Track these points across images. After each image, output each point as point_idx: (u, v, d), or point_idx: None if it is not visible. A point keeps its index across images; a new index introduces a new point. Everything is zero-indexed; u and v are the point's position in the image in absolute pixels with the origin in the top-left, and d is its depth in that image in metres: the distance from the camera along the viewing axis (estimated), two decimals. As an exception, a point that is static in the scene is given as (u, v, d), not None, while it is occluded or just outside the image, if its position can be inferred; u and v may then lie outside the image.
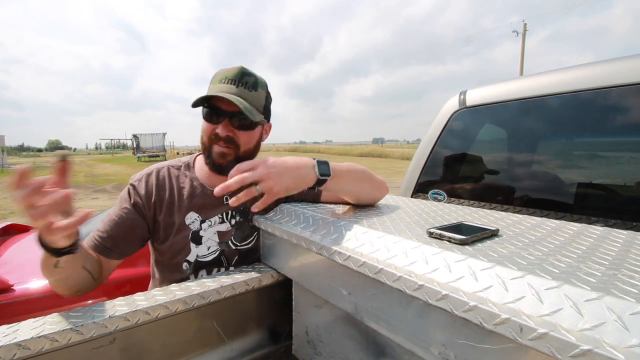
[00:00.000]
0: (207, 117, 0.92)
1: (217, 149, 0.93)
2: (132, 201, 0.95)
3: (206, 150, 0.95)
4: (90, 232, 0.92)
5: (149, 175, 0.99)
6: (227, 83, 0.90)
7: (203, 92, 0.91)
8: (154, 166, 1.02)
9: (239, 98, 0.88)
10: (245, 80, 0.92)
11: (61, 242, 0.66)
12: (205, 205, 0.98)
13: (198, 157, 1.08)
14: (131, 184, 0.97)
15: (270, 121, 1.03)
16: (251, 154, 0.98)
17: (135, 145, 32.37)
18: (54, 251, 0.68)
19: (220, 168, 0.95)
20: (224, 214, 1.01)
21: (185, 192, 0.98)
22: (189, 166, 1.04)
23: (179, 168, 1.03)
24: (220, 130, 0.90)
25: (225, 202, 1.01)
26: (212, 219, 0.99)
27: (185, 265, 0.96)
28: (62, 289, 0.80)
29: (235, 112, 0.90)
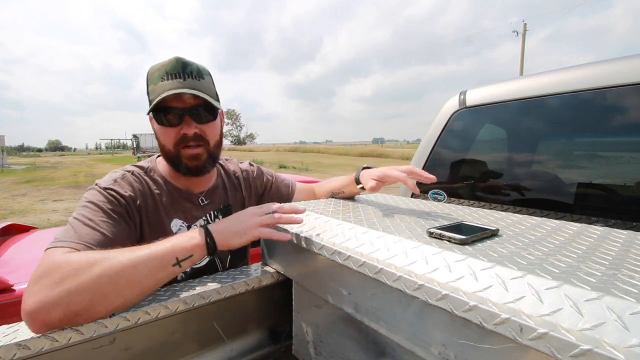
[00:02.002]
0: (165, 122, 0.84)
1: (187, 152, 0.86)
2: (118, 203, 0.81)
3: (173, 157, 0.87)
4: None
5: (122, 177, 0.87)
6: (171, 79, 0.82)
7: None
8: (120, 170, 0.90)
9: (196, 90, 0.82)
10: (188, 70, 0.83)
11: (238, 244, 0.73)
12: (186, 210, 0.94)
13: (159, 159, 0.98)
14: (105, 188, 0.82)
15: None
16: (219, 146, 0.94)
17: (135, 145, 32.39)
18: (214, 250, 0.72)
19: (196, 170, 0.89)
20: (207, 215, 0.99)
21: (164, 197, 0.91)
22: (154, 170, 0.94)
23: (145, 172, 0.93)
24: (186, 129, 0.84)
25: (201, 204, 0.97)
26: (198, 222, 0.96)
27: (181, 276, 0.92)
28: (138, 294, 0.66)
29: (193, 107, 0.84)
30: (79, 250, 0.67)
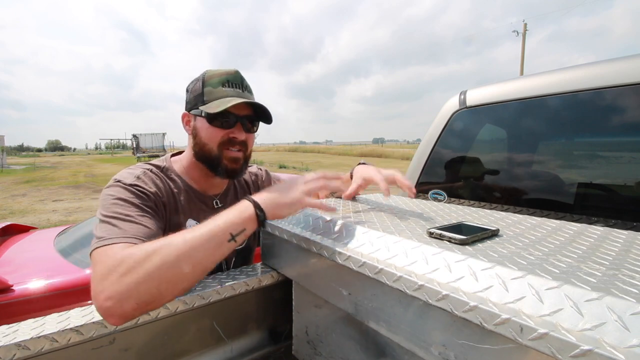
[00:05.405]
0: (218, 122, 0.89)
1: (230, 154, 0.92)
2: (147, 198, 0.82)
3: (214, 157, 0.91)
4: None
5: (144, 174, 0.88)
6: (233, 87, 0.91)
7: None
8: (138, 168, 0.91)
9: (262, 104, 0.91)
10: (245, 84, 0.93)
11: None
12: (200, 211, 0.96)
13: (173, 159, 1.00)
14: (131, 184, 0.82)
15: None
16: (250, 155, 1.00)
17: (135, 145, 32.42)
18: (264, 221, 0.72)
19: (233, 173, 0.94)
20: None
21: (181, 196, 0.94)
22: (170, 169, 0.96)
23: (162, 171, 0.94)
24: (237, 134, 0.91)
25: (215, 207, 1.00)
26: None
27: None
28: (200, 274, 0.67)
29: (246, 116, 0.92)
30: (134, 244, 0.68)
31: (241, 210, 0.72)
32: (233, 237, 0.68)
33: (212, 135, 0.90)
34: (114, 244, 0.67)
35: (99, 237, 0.69)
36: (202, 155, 0.93)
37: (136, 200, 0.79)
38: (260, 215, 0.71)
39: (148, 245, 0.65)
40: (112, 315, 0.60)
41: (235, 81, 0.91)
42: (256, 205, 0.72)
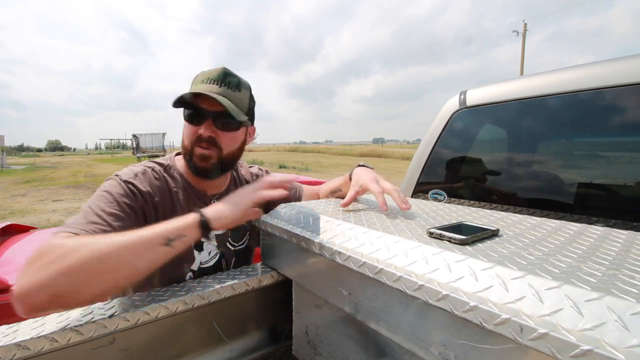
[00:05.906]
0: (189, 119, 0.89)
1: (198, 151, 0.88)
2: (134, 198, 0.83)
3: (187, 153, 0.91)
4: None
5: (143, 173, 0.89)
6: (210, 83, 0.87)
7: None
8: (141, 165, 0.92)
9: (222, 97, 0.85)
10: (228, 80, 0.89)
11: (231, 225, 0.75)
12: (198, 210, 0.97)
13: (177, 157, 1.02)
14: (125, 181, 0.83)
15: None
16: (234, 157, 0.96)
17: (135, 146, 32.44)
18: (207, 230, 0.72)
19: (202, 171, 0.91)
20: None
21: (180, 194, 0.93)
22: (173, 167, 0.97)
23: (164, 169, 0.95)
24: (202, 130, 0.87)
25: None
26: None
27: (189, 275, 0.93)
28: (126, 276, 0.64)
29: (218, 113, 0.87)
30: (74, 235, 0.67)
31: (185, 218, 0.72)
32: (170, 242, 0.67)
33: (186, 132, 0.90)
34: (64, 232, 0.67)
35: (65, 223, 0.70)
36: (183, 152, 0.94)
37: (122, 198, 0.79)
38: (203, 222, 0.71)
39: (83, 238, 0.64)
40: (23, 304, 0.57)
41: (217, 78, 0.88)
42: (201, 214, 0.73)
